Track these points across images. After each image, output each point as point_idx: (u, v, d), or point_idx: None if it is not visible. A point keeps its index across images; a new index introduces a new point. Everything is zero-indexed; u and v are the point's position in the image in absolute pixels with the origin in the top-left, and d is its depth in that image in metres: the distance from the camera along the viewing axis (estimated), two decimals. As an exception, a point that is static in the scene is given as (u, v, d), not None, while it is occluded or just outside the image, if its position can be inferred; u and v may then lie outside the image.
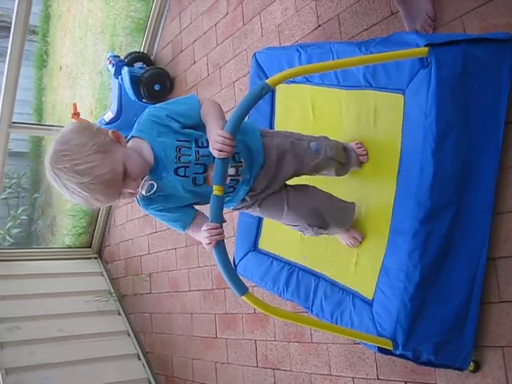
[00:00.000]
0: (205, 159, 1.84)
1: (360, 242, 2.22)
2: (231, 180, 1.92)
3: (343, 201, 2.24)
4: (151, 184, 1.77)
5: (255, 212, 2.19)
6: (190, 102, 1.90)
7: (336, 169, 2.21)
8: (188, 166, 1.83)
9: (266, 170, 2.03)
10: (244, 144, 1.96)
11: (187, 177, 1.84)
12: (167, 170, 1.82)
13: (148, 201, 1.88)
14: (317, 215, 2.13)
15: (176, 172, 1.83)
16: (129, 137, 1.86)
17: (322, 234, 2.19)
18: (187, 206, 1.95)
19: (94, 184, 1.65)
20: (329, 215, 2.15)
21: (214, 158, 1.73)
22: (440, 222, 1.88)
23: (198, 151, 1.84)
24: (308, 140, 2.14)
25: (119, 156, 1.73)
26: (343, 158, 2.19)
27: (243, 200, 2.07)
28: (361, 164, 2.28)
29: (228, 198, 2.00)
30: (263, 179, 2.03)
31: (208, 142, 1.80)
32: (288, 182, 2.16)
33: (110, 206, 4.99)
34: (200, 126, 1.86)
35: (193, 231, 1.93)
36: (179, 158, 1.82)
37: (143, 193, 1.76)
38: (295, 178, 2.17)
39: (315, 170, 2.18)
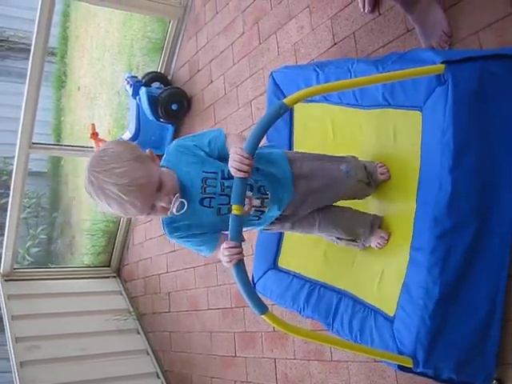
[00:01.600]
0: (229, 190, 1.84)
1: (387, 241, 2.22)
2: (256, 211, 1.96)
3: (369, 214, 2.28)
4: (182, 202, 1.79)
5: (286, 231, 2.29)
6: (216, 133, 1.93)
7: (363, 191, 2.26)
8: (213, 197, 1.87)
9: (294, 199, 2.06)
10: (270, 180, 1.98)
11: (212, 207, 1.88)
12: (193, 200, 1.85)
13: (173, 229, 1.91)
14: (347, 231, 2.23)
15: (201, 202, 1.87)
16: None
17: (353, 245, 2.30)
18: (209, 233, 1.97)
19: (131, 187, 1.68)
20: (358, 229, 2.23)
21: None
22: (460, 239, 1.86)
23: (223, 183, 1.87)
24: (338, 161, 2.17)
25: (154, 169, 1.79)
26: (367, 178, 2.21)
27: (272, 223, 2.12)
28: (381, 183, 2.29)
29: (254, 223, 2.03)
30: (291, 206, 2.07)
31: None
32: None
33: (129, 224, 5.01)
34: (225, 159, 1.87)
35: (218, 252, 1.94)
36: (205, 188, 1.86)
37: (174, 211, 1.78)
38: None
39: (349, 196, 2.25)
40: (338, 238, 2.29)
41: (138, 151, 1.79)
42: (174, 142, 1.93)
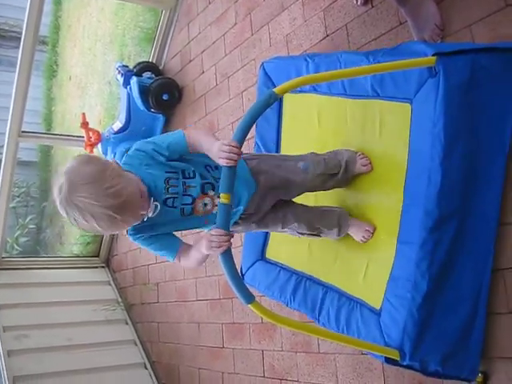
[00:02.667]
0: (192, 190, 1.89)
1: (373, 234, 2.22)
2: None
3: (332, 208, 2.32)
4: (156, 205, 1.81)
5: (252, 230, 2.27)
6: (176, 136, 1.92)
7: (332, 182, 2.27)
8: (176, 197, 1.88)
9: (255, 195, 2.08)
10: None
11: (175, 207, 1.89)
12: (157, 201, 1.84)
13: (135, 231, 1.90)
14: (308, 226, 2.25)
15: (165, 203, 1.87)
16: None
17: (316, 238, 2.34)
18: (171, 235, 1.98)
19: (128, 202, 1.69)
20: (321, 225, 2.27)
21: (203, 188, 1.87)
22: (446, 232, 1.87)
23: (184, 182, 1.88)
24: (295, 160, 2.21)
25: (131, 177, 1.79)
26: (334, 169, 2.24)
27: (235, 223, 2.12)
28: (363, 174, 2.29)
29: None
30: (253, 204, 2.09)
31: (194, 174, 1.89)
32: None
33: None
34: (185, 159, 1.91)
35: (183, 256, 1.95)
36: (168, 188, 1.86)
37: (150, 214, 1.80)
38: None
39: (309, 189, 2.27)
40: (300, 233, 2.30)
41: (111, 165, 1.77)
42: (133, 146, 1.91)
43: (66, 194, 1.68)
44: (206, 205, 1.94)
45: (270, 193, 2.12)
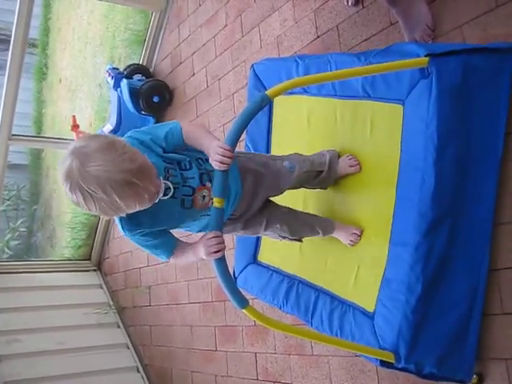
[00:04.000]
0: (191, 181, 1.85)
1: (360, 236, 2.22)
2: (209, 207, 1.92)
3: (318, 217, 2.34)
4: (166, 184, 1.73)
5: (237, 234, 2.28)
6: (172, 126, 1.87)
7: (318, 180, 2.30)
8: (177, 187, 1.81)
9: (244, 194, 2.06)
10: None
11: (176, 198, 1.82)
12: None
13: (134, 226, 1.81)
14: (290, 231, 2.25)
15: (165, 192, 1.79)
16: None
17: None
18: (167, 234, 1.93)
19: (145, 167, 1.62)
20: (305, 232, 2.30)
21: (202, 179, 1.83)
22: (441, 233, 1.86)
23: (182, 174, 1.84)
24: (281, 159, 2.21)
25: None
26: (319, 167, 2.25)
27: (224, 224, 2.05)
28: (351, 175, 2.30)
29: (205, 223, 1.99)
30: (242, 203, 2.07)
31: (190, 165, 1.85)
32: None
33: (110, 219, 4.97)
34: (180, 150, 1.87)
35: (178, 257, 1.92)
36: (168, 178, 1.80)
37: (161, 195, 1.70)
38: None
39: (295, 186, 2.28)
40: (282, 237, 2.29)
41: (119, 138, 1.69)
42: (128, 133, 1.83)
43: (80, 169, 1.53)
44: (204, 197, 1.89)
45: (258, 191, 2.10)
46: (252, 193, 2.08)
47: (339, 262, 2.30)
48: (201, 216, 1.95)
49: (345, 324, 2.14)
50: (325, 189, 2.38)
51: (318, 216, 2.35)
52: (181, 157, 1.86)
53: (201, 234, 1.93)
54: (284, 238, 2.29)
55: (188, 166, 1.85)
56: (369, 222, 2.21)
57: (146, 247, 1.91)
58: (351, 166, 2.26)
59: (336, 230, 2.27)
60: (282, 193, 2.23)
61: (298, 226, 2.26)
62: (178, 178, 1.82)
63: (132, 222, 1.81)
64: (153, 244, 1.89)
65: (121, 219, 1.79)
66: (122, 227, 1.83)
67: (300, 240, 2.32)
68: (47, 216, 8.34)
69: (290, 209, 2.30)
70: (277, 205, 2.27)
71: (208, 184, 1.89)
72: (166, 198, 1.73)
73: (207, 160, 1.87)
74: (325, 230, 2.27)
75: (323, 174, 2.27)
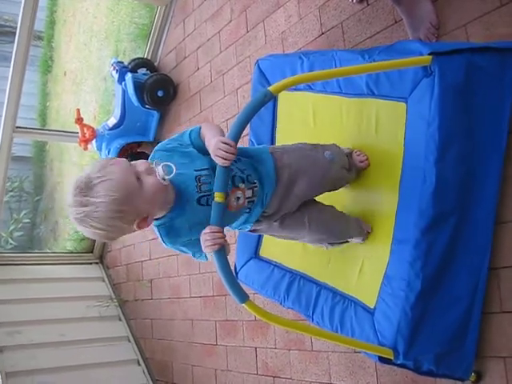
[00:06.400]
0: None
1: (369, 233, 2.20)
2: (248, 202, 1.92)
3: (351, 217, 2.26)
4: (167, 165, 1.71)
5: (275, 233, 2.20)
6: (193, 128, 1.89)
7: (345, 179, 2.22)
8: (209, 195, 1.79)
9: (278, 190, 2.01)
10: (253, 168, 1.96)
11: (209, 205, 1.77)
12: (189, 202, 1.80)
13: (174, 236, 1.83)
14: (338, 233, 2.21)
15: (199, 201, 1.80)
16: None
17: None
18: None
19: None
20: (347, 231, 2.20)
21: (234, 181, 1.83)
22: (442, 232, 1.87)
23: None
24: (322, 149, 2.14)
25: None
26: (347, 164, 2.19)
27: (258, 221, 2.07)
28: (361, 171, 2.27)
29: (243, 220, 2.00)
30: (275, 199, 2.02)
31: None
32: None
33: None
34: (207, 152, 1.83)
35: None
36: (200, 187, 1.80)
37: (161, 176, 1.69)
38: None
39: (333, 183, 2.20)
40: (330, 244, 2.25)
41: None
42: (156, 147, 1.86)
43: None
44: (238, 199, 1.88)
45: (293, 189, 2.04)
46: (286, 190, 2.03)
47: (343, 257, 2.30)
48: (241, 215, 1.95)
49: (345, 319, 2.15)
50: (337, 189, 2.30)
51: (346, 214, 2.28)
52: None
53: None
54: (332, 244, 2.25)
55: None
56: (374, 219, 2.21)
57: (191, 253, 1.91)
58: (361, 162, 2.23)
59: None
60: (322, 191, 2.18)
61: (343, 226, 2.20)
62: (212, 185, 1.78)
63: (171, 234, 1.83)
64: (197, 250, 1.87)
65: (159, 231, 1.82)
66: (162, 240, 1.85)
67: (346, 241, 2.25)
68: (50, 208, 8.36)
69: (332, 207, 2.23)
70: (319, 204, 2.21)
71: (241, 185, 1.88)
72: (170, 176, 1.71)
73: (240, 159, 1.89)
74: (359, 226, 2.21)
75: (352, 171, 2.21)
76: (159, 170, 1.69)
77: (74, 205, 1.63)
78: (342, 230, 2.20)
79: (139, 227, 1.72)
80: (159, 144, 1.88)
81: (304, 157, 2.09)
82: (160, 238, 1.85)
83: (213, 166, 1.80)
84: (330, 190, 2.21)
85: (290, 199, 2.05)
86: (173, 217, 1.80)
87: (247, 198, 1.90)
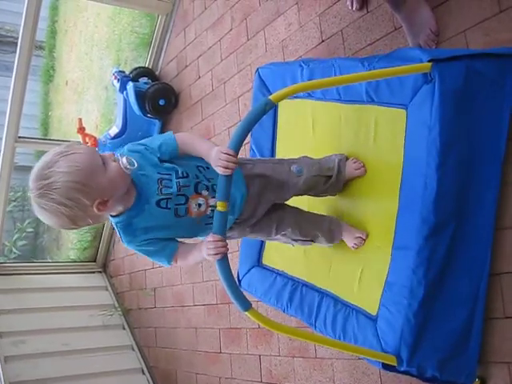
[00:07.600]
0: (186, 190, 1.86)
1: (365, 240, 2.21)
2: (211, 210, 1.92)
3: (323, 215, 2.33)
4: (130, 159, 1.75)
5: (248, 236, 2.26)
6: (166, 137, 1.92)
7: (327, 185, 2.26)
8: (170, 198, 1.85)
9: (249, 199, 2.06)
10: None
11: (169, 208, 1.85)
12: (149, 202, 1.83)
13: (130, 235, 1.86)
14: (301, 231, 2.24)
15: (158, 204, 1.84)
16: None
17: (309, 245, 2.33)
18: (168, 240, 1.94)
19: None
20: (314, 231, 2.26)
21: (197, 187, 1.86)
22: (443, 238, 1.87)
23: (178, 182, 1.86)
24: (288, 163, 2.21)
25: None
26: (328, 171, 2.24)
27: (230, 228, 2.09)
28: (358, 178, 2.29)
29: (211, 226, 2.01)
30: (248, 208, 2.07)
31: (188, 174, 1.87)
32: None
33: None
34: (175, 161, 1.90)
35: (182, 259, 1.93)
36: (161, 189, 1.84)
37: (124, 164, 1.73)
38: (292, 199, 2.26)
39: (304, 191, 2.26)
40: (294, 240, 2.29)
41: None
42: (124, 147, 1.89)
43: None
44: (199, 205, 1.90)
45: (264, 196, 2.10)
46: (258, 197, 2.09)
47: (343, 265, 2.30)
48: (205, 224, 1.95)
49: (348, 327, 2.15)
50: (334, 195, 2.36)
51: (326, 215, 2.34)
52: (178, 166, 1.88)
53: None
54: (296, 240, 2.28)
55: (185, 174, 1.87)
56: (373, 225, 2.21)
57: (146, 254, 1.93)
58: (357, 169, 2.25)
59: (343, 231, 2.26)
60: (289, 197, 2.23)
61: (309, 226, 2.25)
62: (173, 188, 1.84)
63: (127, 231, 1.86)
64: (151, 251, 1.91)
65: (117, 227, 1.86)
66: (120, 236, 1.89)
67: (312, 240, 2.29)
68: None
69: (299, 210, 2.30)
70: (285, 207, 2.27)
71: (204, 192, 1.91)
72: (134, 168, 1.75)
73: (208, 167, 1.90)
74: (333, 228, 2.26)
75: (332, 178, 2.25)
76: (123, 160, 1.73)
77: (34, 182, 1.67)
78: (307, 228, 2.25)
79: (98, 209, 1.71)
80: (128, 144, 1.91)
81: (272, 169, 2.15)
82: (118, 234, 1.89)
83: (176, 171, 1.86)
84: (314, 195, 2.32)
85: (261, 205, 2.11)
86: (131, 215, 1.83)
87: (210, 206, 1.92)
